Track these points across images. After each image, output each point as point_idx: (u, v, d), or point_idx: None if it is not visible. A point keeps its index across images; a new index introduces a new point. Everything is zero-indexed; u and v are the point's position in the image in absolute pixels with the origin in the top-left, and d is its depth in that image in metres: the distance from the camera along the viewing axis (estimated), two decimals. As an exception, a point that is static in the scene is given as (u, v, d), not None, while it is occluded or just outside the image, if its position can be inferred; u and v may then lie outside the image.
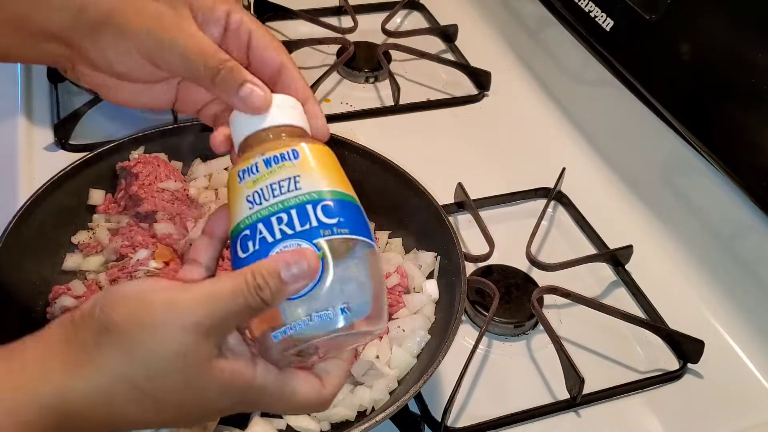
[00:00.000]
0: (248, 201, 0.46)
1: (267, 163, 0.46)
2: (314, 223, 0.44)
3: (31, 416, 0.40)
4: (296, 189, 0.45)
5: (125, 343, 0.40)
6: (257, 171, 0.46)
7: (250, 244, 0.45)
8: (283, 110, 0.48)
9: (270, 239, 0.44)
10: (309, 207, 0.45)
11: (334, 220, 0.45)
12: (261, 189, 0.45)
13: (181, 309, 0.40)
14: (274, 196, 0.45)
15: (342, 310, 0.43)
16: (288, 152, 0.46)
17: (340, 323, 0.43)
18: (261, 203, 0.45)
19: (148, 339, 0.40)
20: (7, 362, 0.41)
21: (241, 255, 0.45)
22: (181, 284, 0.43)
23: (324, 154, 0.48)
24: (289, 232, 0.44)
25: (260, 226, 0.45)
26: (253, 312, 0.42)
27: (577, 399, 0.70)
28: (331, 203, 0.45)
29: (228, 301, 0.41)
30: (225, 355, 0.42)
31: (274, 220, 0.45)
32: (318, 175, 0.46)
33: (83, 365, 0.40)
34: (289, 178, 0.45)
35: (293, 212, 0.44)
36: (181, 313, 0.40)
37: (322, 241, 0.44)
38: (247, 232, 0.45)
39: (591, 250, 0.87)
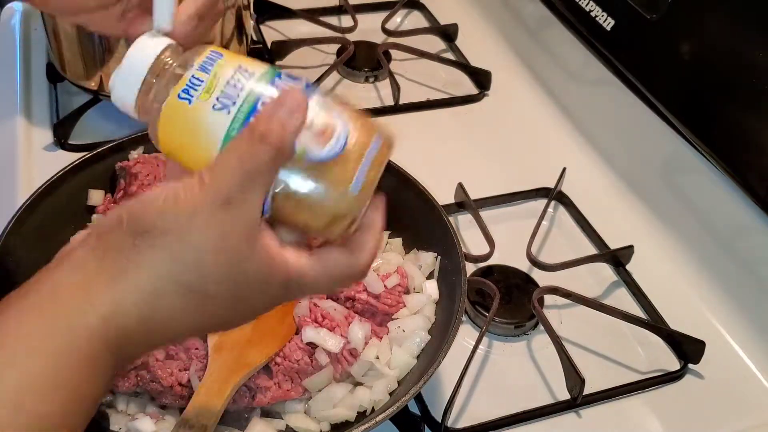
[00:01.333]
0: (216, 109, 0.42)
1: (203, 68, 0.43)
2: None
3: (85, 344, 0.38)
4: (252, 74, 0.43)
5: (164, 239, 0.39)
6: (200, 81, 0.43)
7: None
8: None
9: None
10: (277, 79, 0.44)
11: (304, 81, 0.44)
12: (222, 90, 0.43)
13: (207, 191, 0.39)
14: (241, 88, 0.43)
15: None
16: (212, 53, 0.44)
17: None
18: (235, 101, 0.42)
19: (185, 231, 0.39)
20: (50, 298, 0.38)
21: None
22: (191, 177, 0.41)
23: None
24: None
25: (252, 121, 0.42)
26: (272, 163, 0.40)
27: (578, 399, 0.70)
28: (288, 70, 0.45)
29: (242, 164, 0.39)
30: (264, 232, 0.41)
31: (260, 106, 0.42)
32: (249, 58, 0.45)
33: (125, 272, 0.39)
34: (237, 68, 0.43)
35: (269, 90, 0.43)
36: (209, 194, 0.39)
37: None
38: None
39: (591, 250, 0.87)
